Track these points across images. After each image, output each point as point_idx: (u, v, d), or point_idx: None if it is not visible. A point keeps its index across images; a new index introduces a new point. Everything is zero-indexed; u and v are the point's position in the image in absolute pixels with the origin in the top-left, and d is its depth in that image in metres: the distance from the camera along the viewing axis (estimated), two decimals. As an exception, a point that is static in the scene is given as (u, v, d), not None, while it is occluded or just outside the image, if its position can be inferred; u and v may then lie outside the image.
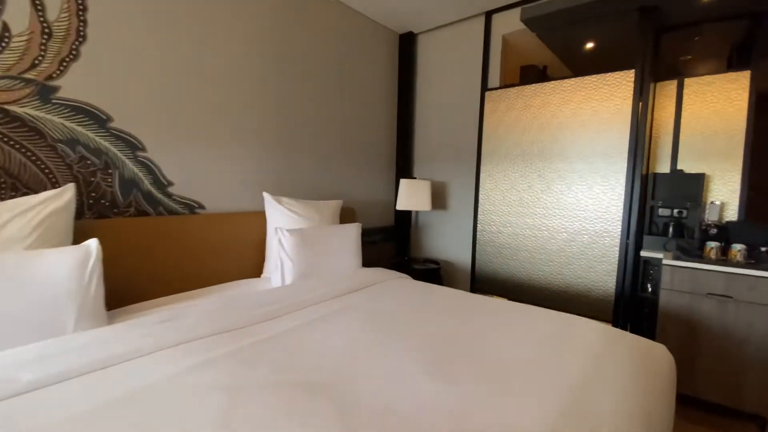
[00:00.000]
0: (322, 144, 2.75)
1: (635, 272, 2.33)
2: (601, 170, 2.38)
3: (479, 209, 2.95)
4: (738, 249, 1.95)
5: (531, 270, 2.70)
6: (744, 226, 2.17)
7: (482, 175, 2.91)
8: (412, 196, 2.88)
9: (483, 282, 2.95)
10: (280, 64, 2.41)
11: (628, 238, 2.30)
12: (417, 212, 3.40)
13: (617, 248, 2.34)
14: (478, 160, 2.92)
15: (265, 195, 2.15)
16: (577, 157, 2.47)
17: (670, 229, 2.33)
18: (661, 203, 2.37)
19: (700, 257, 2.03)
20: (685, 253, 2.09)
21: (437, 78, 3.22)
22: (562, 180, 2.54)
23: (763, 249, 2.05)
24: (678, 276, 2.01)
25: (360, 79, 3.02)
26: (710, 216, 2.26)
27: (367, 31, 3.04)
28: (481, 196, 2.93)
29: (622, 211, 2.32)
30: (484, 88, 2.88)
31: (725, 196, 2.31)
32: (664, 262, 2.05)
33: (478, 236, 2.96)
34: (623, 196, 2.31)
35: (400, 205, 2.89)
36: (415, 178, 3.39)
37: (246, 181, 2.26)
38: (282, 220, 2.13)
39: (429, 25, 3.16)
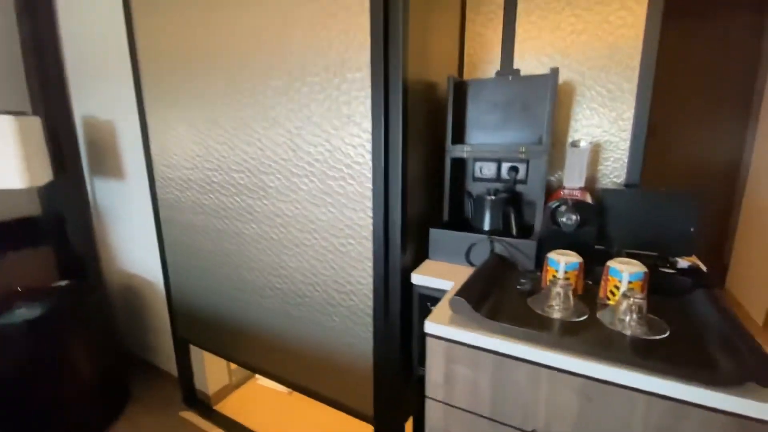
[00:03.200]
0: None
1: (406, 322, 1.01)
2: (327, 87, 0.94)
3: (156, 177, 1.41)
4: (629, 272, 0.66)
5: (246, 305, 1.28)
6: (644, 201, 0.91)
7: (148, 109, 1.34)
8: (-35, 155, 1.22)
9: (186, 323, 1.49)
10: None
11: (386, 239, 0.94)
12: (92, 187, 1.78)
13: (371, 263, 0.98)
14: (136, 78, 1.33)
15: None
16: (284, 66, 0.99)
17: (486, 215, 1.00)
18: (468, 150, 1.02)
19: (526, 295, 0.72)
20: (478, 292, 0.75)
21: None
22: (265, 114, 1.07)
23: (684, 265, 0.81)
24: (463, 368, 0.68)
25: None
26: (569, 177, 0.97)
27: None
28: (153, 152, 1.38)
29: (371, 177, 0.93)
30: None
31: (603, 127, 1.03)
32: (428, 327, 0.71)
33: (164, 232, 1.45)
34: (370, 143, 0.91)
35: (-63, 179, 1.23)
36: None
37: None
38: None
39: None
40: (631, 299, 0.59)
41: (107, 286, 1.86)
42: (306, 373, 1.19)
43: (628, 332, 0.59)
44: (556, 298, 0.65)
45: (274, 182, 1.09)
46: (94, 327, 1.51)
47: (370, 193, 0.92)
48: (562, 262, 0.73)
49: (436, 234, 0.99)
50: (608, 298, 0.71)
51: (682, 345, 0.57)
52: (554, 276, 0.73)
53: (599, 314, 0.65)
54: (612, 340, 0.59)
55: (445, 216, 1.07)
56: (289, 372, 1.23)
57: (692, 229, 0.87)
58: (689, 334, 0.60)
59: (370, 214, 0.94)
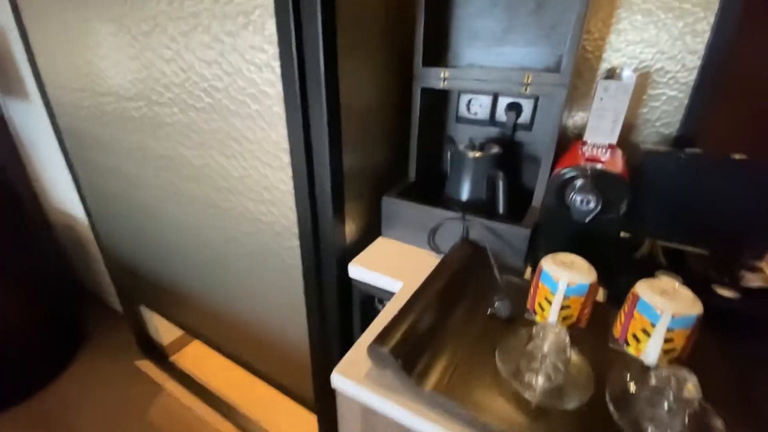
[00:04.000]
0: None
1: (347, 320, 0.76)
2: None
3: (51, 101, 1.09)
4: (673, 315, 0.38)
5: (178, 268, 1.05)
6: (704, 171, 0.59)
7: (22, 4, 0.97)
8: None
9: (125, 276, 1.29)
10: None
11: (314, 212, 0.66)
12: (7, 109, 1.46)
13: (299, 242, 0.72)
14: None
15: None
16: None
17: (464, 179, 0.69)
18: (447, 76, 0.67)
19: (498, 328, 0.46)
20: (422, 325, 0.49)
21: None
22: (142, 10, 0.71)
23: (754, 284, 0.51)
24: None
25: None
26: (596, 129, 0.63)
27: None
28: (41, 66, 1.04)
29: (284, 121, 0.61)
30: None
31: (659, 46, 0.66)
32: (336, 380, 0.45)
33: (78, 172, 1.17)
34: (279, 61, 0.57)
35: None
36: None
37: None
38: None
39: None
40: (680, 389, 0.32)
41: (50, 224, 1.66)
42: (247, 353, 1.01)
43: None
44: (542, 360, 0.39)
45: (171, 118, 0.77)
46: (30, 269, 1.33)
47: (287, 143, 0.61)
48: (563, 281, 0.45)
49: (389, 204, 0.69)
50: (628, 344, 0.44)
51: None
52: (546, 299, 0.46)
53: (610, 393, 0.38)
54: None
55: (412, 174, 0.76)
56: (232, 347, 1.05)
57: (776, 220, 0.57)
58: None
59: (291, 173, 0.64)
